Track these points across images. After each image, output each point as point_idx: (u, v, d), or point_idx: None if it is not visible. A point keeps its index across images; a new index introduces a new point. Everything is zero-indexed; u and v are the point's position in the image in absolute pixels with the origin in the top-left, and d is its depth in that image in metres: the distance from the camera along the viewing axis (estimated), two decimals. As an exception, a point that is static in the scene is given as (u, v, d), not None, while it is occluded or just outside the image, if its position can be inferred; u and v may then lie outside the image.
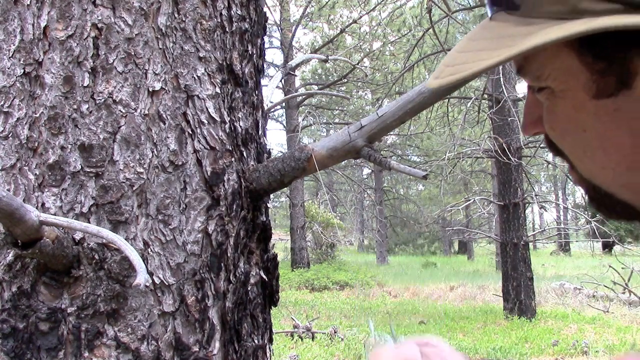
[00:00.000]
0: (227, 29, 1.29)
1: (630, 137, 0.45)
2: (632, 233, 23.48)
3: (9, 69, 1.14)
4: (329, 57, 3.14)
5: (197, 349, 1.15)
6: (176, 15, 1.20)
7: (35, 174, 1.11)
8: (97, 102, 1.12)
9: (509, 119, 8.80)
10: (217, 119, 1.25)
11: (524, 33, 0.43)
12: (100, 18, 1.12)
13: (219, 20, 1.27)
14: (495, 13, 0.48)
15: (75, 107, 1.11)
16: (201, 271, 1.18)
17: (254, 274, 1.31)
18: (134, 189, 1.12)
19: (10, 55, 1.14)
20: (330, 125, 20.97)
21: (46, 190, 1.10)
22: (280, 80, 2.47)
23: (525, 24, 0.44)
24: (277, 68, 16.93)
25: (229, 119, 1.28)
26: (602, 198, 0.50)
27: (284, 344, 6.78)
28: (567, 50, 0.45)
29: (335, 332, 7.14)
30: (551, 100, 0.49)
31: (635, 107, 0.43)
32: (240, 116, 1.32)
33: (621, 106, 0.44)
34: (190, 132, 1.20)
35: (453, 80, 0.47)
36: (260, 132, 1.42)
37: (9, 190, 1.11)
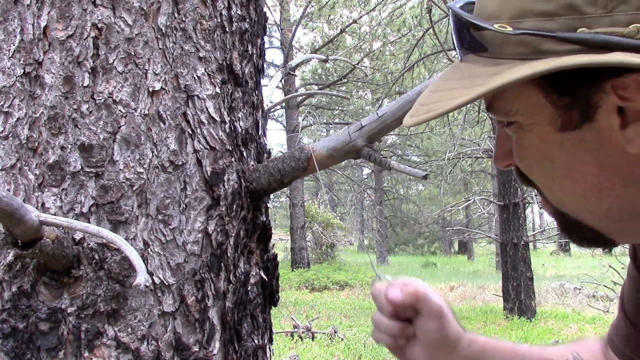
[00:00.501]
0: (227, 29, 1.29)
1: (595, 167, 0.48)
2: (632, 233, 23.42)
3: (9, 69, 1.14)
4: (329, 57, 3.14)
5: (197, 349, 1.15)
6: (176, 15, 1.20)
7: (35, 174, 1.11)
8: (97, 102, 1.12)
9: (509, 119, 8.79)
10: (217, 119, 1.25)
11: (492, 73, 0.45)
12: (100, 18, 1.12)
13: (219, 20, 1.27)
14: (465, 55, 0.52)
15: (75, 107, 1.11)
16: (201, 271, 1.18)
17: (254, 274, 1.31)
18: (134, 189, 1.12)
19: (10, 55, 1.14)
20: (330, 125, 20.96)
21: (46, 190, 1.10)
22: (280, 80, 2.47)
23: (492, 64, 0.47)
24: (277, 68, 16.93)
25: (229, 119, 1.28)
26: (572, 225, 0.53)
27: (284, 344, 6.78)
28: (533, 88, 0.48)
29: (335, 332, 7.14)
30: (519, 134, 0.52)
31: (598, 138, 0.46)
32: (240, 116, 1.32)
33: (585, 138, 0.47)
34: (190, 132, 1.20)
35: (427, 118, 0.49)
36: (260, 132, 1.42)
37: (9, 190, 1.11)
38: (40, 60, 1.12)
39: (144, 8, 1.15)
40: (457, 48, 0.53)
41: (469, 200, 11.72)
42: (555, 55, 0.43)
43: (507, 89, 0.48)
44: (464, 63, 0.51)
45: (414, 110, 0.51)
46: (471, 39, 0.50)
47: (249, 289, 1.29)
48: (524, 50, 0.45)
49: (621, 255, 11.53)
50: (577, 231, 0.54)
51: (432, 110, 0.49)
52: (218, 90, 1.26)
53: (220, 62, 1.27)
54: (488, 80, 0.45)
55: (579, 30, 0.42)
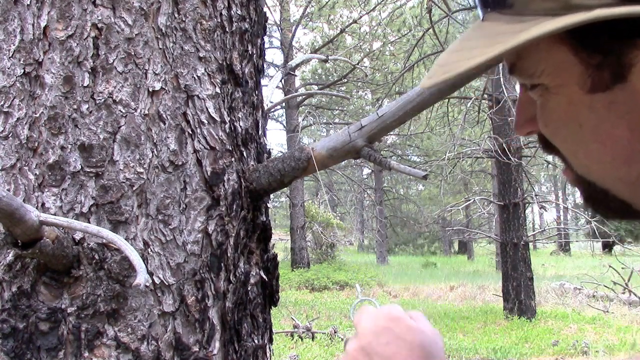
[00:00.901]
0: (227, 29, 1.29)
1: (627, 130, 0.45)
2: (632, 233, 23.47)
3: (9, 69, 1.14)
4: (329, 57, 3.14)
5: (197, 349, 1.15)
6: (176, 15, 1.20)
7: (35, 174, 1.11)
8: (97, 102, 1.12)
9: (509, 119, 8.80)
10: (217, 119, 1.25)
11: (516, 30, 0.43)
12: (100, 18, 1.12)
13: (219, 20, 1.27)
14: (487, 14, 0.49)
15: (75, 107, 1.11)
16: (201, 271, 1.18)
17: (254, 274, 1.31)
18: (134, 189, 1.12)
19: (10, 55, 1.14)
20: (330, 125, 20.97)
21: (46, 190, 1.10)
22: (280, 80, 2.47)
23: (517, 21, 0.44)
24: (277, 68, 16.93)
25: (229, 119, 1.28)
26: (597, 195, 0.50)
27: (284, 344, 6.78)
28: (561, 46, 0.45)
29: (335, 332, 7.14)
30: (545, 97, 0.49)
31: (631, 100, 0.44)
32: (240, 116, 1.32)
33: (616, 99, 0.44)
34: (190, 132, 1.20)
35: (446, 78, 0.47)
36: (260, 132, 1.42)
37: (9, 190, 1.11)
38: (40, 60, 1.12)
39: (144, 8, 1.15)
40: (479, 7, 0.50)
41: (469, 200, 11.71)
42: (586, 9, 0.40)
43: (533, 48, 0.46)
44: (486, 22, 0.48)
45: (432, 72, 0.49)
46: None
47: (249, 289, 1.29)
48: (552, 4, 0.42)
49: (621, 255, 11.55)
50: (602, 201, 0.50)
51: (451, 70, 0.46)
52: (218, 90, 1.26)
53: (220, 62, 1.27)
54: (512, 37, 0.42)
55: None
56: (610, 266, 9.78)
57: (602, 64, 0.43)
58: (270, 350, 1.36)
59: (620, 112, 0.44)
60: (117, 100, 1.12)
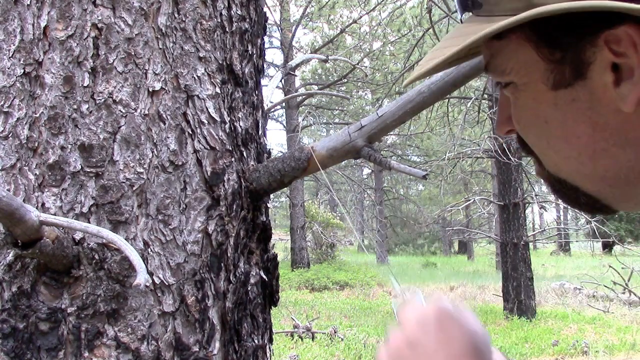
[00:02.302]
0: (227, 29, 1.29)
1: (589, 127, 0.46)
2: (632, 233, 23.48)
3: (9, 69, 1.14)
4: (329, 57, 3.14)
5: (197, 349, 1.15)
6: (176, 15, 1.20)
7: (35, 174, 1.11)
8: (97, 102, 1.12)
9: (509, 119, 8.78)
10: (217, 119, 1.25)
11: (483, 28, 0.45)
12: (100, 18, 1.12)
13: (219, 20, 1.27)
14: (466, 16, 0.52)
15: (75, 107, 1.11)
16: (201, 271, 1.18)
17: (254, 274, 1.31)
18: (134, 189, 1.12)
19: (10, 55, 1.14)
20: (330, 125, 20.97)
21: (46, 190, 1.10)
22: (280, 80, 2.47)
23: (486, 21, 0.47)
24: (277, 68, 16.94)
25: (229, 119, 1.28)
26: (569, 192, 0.52)
27: (284, 344, 6.78)
28: (526, 44, 0.47)
29: (335, 332, 7.14)
30: (515, 95, 0.51)
31: (591, 97, 0.45)
32: (240, 116, 1.32)
33: (578, 96, 0.45)
34: (190, 132, 1.20)
35: (417, 76, 0.51)
36: (260, 132, 1.42)
37: (9, 190, 1.11)
38: (40, 60, 1.12)
39: (144, 8, 1.15)
40: (459, 11, 0.53)
41: (469, 200, 11.71)
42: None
43: (503, 47, 0.49)
44: (464, 23, 0.51)
45: (415, 69, 0.52)
46: None
47: (249, 289, 1.29)
48: (517, 4, 0.44)
49: (621, 255, 11.55)
50: (574, 198, 0.52)
51: (423, 68, 0.50)
52: (218, 90, 1.26)
53: (220, 62, 1.27)
54: (475, 35, 0.45)
55: None
56: (610, 266, 9.77)
57: (563, 60, 0.45)
58: (270, 350, 1.36)
59: (581, 109, 0.45)
60: (117, 100, 1.12)
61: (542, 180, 0.55)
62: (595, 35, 0.42)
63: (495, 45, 0.50)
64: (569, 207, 0.56)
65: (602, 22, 0.41)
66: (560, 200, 0.55)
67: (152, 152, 1.15)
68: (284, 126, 18.40)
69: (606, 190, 0.49)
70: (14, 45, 1.14)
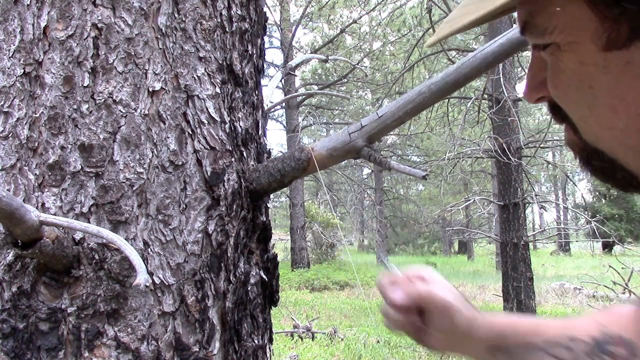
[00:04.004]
0: (227, 29, 1.29)
1: None
2: (632, 233, 23.48)
3: (9, 69, 1.14)
4: (329, 57, 3.15)
5: (197, 349, 1.15)
6: (176, 15, 1.20)
7: (35, 174, 1.11)
8: (97, 102, 1.12)
9: (509, 119, 8.80)
10: (217, 119, 1.25)
11: None
12: (100, 18, 1.12)
13: (219, 20, 1.27)
14: None
15: (75, 107, 1.11)
16: (201, 271, 1.18)
17: (254, 274, 1.31)
18: (134, 189, 1.12)
19: (10, 55, 1.14)
20: (330, 125, 20.98)
21: (46, 190, 1.10)
22: (280, 80, 2.47)
23: None
24: (277, 68, 16.95)
25: (229, 119, 1.28)
26: (605, 165, 0.47)
27: (284, 344, 6.78)
28: (577, 0, 0.42)
29: (335, 332, 7.14)
30: (556, 56, 0.45)
31: None
32: (240, 116, 1.32)
33: (633, 59, 0.40)
34: (190, 132, 1.20)
35: (451, 31, 0.45)
36: (260, 132, 1.42)
37: (9, 190, 1.11)
38: (40, 60, 1.12)
39: (144, 8, 1.15)
40: None
41: (469, 200, 11.71)
42: None
43: (547, 3, 0.43)
44: None
45: (439, 29, 0.46)
46: None
47: (249, 289, 1.28)
48: None
49: (621, 255, 11.55)
50: (609, 172, 0.47)
51: (456, 24, 0.44)
52: (218, 90, 1.26)
53: (220, 62, 1.27)
54: None
55: None
56: (610, 266, 9.77)
57: (620, 18, 0.40)
58: (270, 350, 1.36)
59: (636, 73, 0.41)
60: (117, 100, 1.12)
61: (572, 151, 0.50)
62: None
63: (538, 1, 0.44)
64: (596, 180, 0.49)
65: None
66: (589, 174, 0.50)
67: (152, 152, 1.15)
68: (284, 126, 18.40)
69: None
70: (14, 45, 1.14)
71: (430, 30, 7.38)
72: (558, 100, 0.47)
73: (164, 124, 1.17)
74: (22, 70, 1.13)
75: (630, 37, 0.40)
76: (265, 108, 1.53)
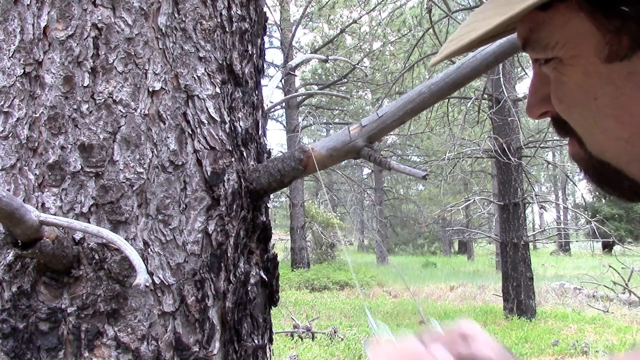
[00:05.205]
0: (227, 29, 1.29)
1: None
2: (632, 233, 23.48)
3: (9, 69, 1.14)
4: (329, 57, 3.15)
5: (197, 349, 1.15)
6: (176, 15, 1.20)
7: (35, 174, 1.11)
8: (97, 102, 1.12)
9: (509, 119, 8.80)
10: (217, 119, 1.25)
11: None
12: (100, 18, 1.12)
13: (219, 20, 1.27)
14: None
15: (75, 107, 1.11)
16: (201, 271, 1.18)
17: (254, 274, 1.31)
18: (134, 189, 1.12)
19: (10, 55, 1.14)
20: (330, 125, 20.98)
21: (46, 190, 1.10)
22: (280, 80, 2.47)
23: None
24: (277, 68, 16.95)
25: (229, 119, 1.28)
26: (610, 176, 0.47)
27: (284, 344, 6.78)
28: (578, 13, 0.43)
29: (335, 332, 7.14)
30: (559, 70, 0.46)
31: None
32: (240, 116, 1.32)
33: (636, 69, 0.41)
34: (190, 132, 1.20)
35: (455, 49, 0.45)
36: (260, 132, 1.42)
37: (9, 190, 1.11)
38: (40, 60, 1.12)
39: (144, 8, 1.15)
40: None
41: (469, 200, 11.71)
42: None
43: (548, 18, 0.44)
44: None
45: (442, 48, 0.47)
46: None
47: (249, 289, 1.28)
48: None
49: (621, 255, 11.55)
50: (614, 182, 0.47)
51: (462, 41, 0.45)
52: (218, 90, 1.26)
53: (220, 62, 1.27)
54: (519, 4, 0.40)
55: None
56: (610, 266, 9.78)
57: (621, 29, 0.41)
58: (270, 350, 1.36)
59: (638, 83, 0.41)
60: (117, 100, 1.12)
61: (577, 163, 0.50)
62: None
63: (538, 17, 0.45)
64: (602, 191, 0.50)
65: None
66: (595, 185, 0.50)
67: (152, 152, 1.15)
68: (284, 126, 18.40)
69: None
70: (14, 45, 1.14)
71: (431, 30, 7.38)
72: (562, 114, 0.48)
73: (164, 124, 1.17)
74: (22, 70, 1.13)
75: (631, 48, 0.41)
76: (265, 108, 1.53)
